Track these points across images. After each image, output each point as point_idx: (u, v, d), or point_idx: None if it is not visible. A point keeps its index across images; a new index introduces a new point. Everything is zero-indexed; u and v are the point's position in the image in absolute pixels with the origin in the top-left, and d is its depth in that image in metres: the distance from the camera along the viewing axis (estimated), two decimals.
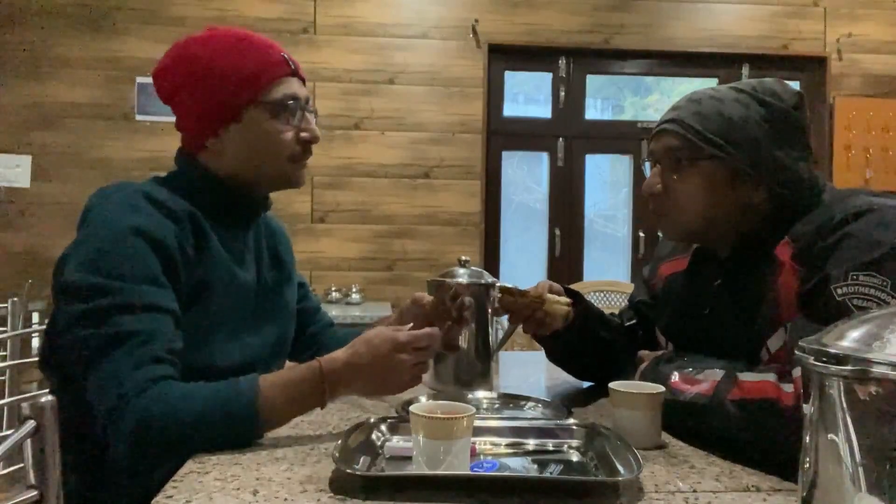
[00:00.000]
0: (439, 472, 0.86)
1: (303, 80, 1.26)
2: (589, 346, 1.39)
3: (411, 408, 0.91)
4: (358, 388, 1.10)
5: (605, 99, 4.84)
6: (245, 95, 1.17)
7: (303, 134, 1.22)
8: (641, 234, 4.34)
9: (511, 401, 1.28)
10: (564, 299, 1.34)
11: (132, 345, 1.00)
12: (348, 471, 0.85)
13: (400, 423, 1.04)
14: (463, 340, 1.36)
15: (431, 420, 0.87)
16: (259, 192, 1.27)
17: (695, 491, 0.87)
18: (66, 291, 1.06)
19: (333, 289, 3.90)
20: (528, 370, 1.81)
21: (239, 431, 1.00)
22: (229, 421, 0.99)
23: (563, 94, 4.30)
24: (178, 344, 1.06)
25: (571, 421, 1.09)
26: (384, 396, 1.23)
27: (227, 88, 1.17)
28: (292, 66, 1.22)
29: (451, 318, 1.28)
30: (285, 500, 0.82)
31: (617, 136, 4.39)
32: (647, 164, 1.28)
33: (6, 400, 1.67)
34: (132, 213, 1.08)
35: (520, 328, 1.38)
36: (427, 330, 1.09)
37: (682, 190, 1.18)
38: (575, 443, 1.03)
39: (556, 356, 1.48)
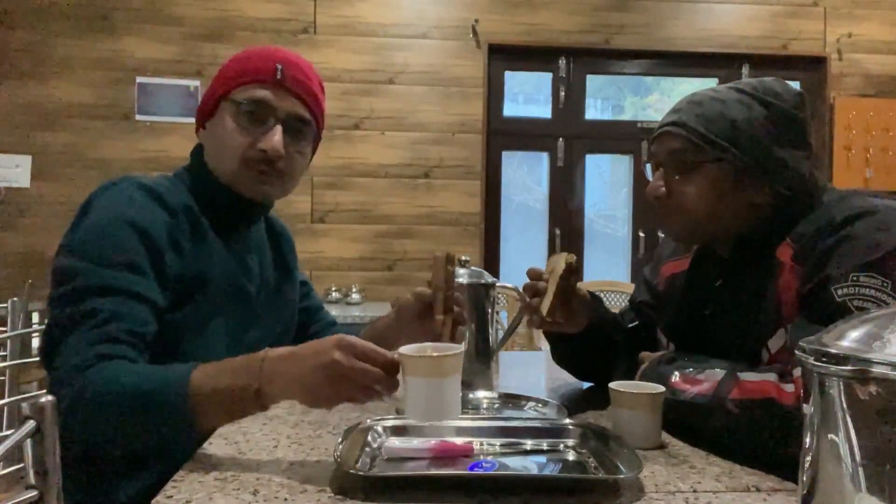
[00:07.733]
0: (434, 422, 0.87)
1: (296, 95, 1.21)
2: (600, 349, 1.38)
3: (401, 349, 0.92)
4: (294, 384, 0.93)
5: (605, 99, 4.84)
6: (221, 91, 1.21)
7: (259, 144, 1.18)
8: (641, 235, 4.34)
9: (511, 401, 1.27)
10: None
11: (93, 323, 1.01)
12: (350, 471, 0.85)
13: (399, 423, 1.04)
14: (463, 340, 1.36)
15: (422, 359, 0.89)
16: (242, 193, 1.23)
17: (695, 491, 0.87)
18: (52, 277, 1.09)
19: (333, 289, 3.90)
20: (528, 370, 1.81)
21: (167, 410, 0.93)
22: (157, 397, 0.94)
23: (563, 94, 4.30)
24: (147, 329, 1.05)
25: (571, 421, 1.09)
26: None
27: (216, 83, 1.23)
28: (279, 77, 1.19)
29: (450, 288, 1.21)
30: (285, 500, 0.82)
31: (617, 136, 4.39)
32: (648, 167, 1.27)
33: (6, 400, 1.66)
34: (125, 203, 1.10)
35: (522, 326, 1.37)
36: (388, 353, 0.93)
37: (686, 193, 1.18)
38: (574, 442, 1.03)
39: (565, 357, 1.47)
